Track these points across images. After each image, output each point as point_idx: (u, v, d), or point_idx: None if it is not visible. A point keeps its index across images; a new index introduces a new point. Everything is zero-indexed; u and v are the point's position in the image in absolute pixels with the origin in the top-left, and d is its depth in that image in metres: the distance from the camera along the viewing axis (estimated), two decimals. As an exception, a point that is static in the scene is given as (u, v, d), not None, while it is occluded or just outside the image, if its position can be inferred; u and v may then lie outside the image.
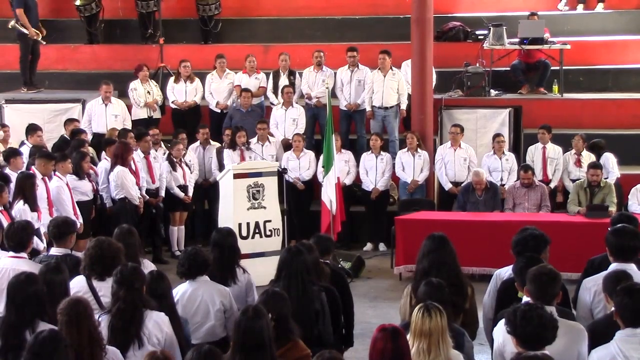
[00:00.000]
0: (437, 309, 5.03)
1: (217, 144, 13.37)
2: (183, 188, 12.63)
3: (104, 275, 6.15)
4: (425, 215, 11.95)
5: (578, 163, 12.82)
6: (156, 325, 5.53)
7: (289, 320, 5.41)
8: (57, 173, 10.56)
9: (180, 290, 6.43)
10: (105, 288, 6.03)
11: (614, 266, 6.13)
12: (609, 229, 6.50)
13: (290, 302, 5.55)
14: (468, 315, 6.11)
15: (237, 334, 5.04)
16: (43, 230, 9.17)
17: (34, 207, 9.47)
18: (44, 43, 15.26)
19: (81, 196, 11.08)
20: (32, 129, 12.32)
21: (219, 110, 14.49)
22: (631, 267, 6.02)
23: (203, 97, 14.60)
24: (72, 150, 11.43)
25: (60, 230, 7.09)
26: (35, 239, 8.27)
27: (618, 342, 5.03)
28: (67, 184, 10.58)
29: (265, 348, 4.98)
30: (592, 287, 6.13)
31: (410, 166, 12.96)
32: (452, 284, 5.92)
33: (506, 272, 6.49)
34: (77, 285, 6.16)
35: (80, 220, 10.45)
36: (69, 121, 13.18)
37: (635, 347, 4.98)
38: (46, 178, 10.38)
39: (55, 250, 7.06)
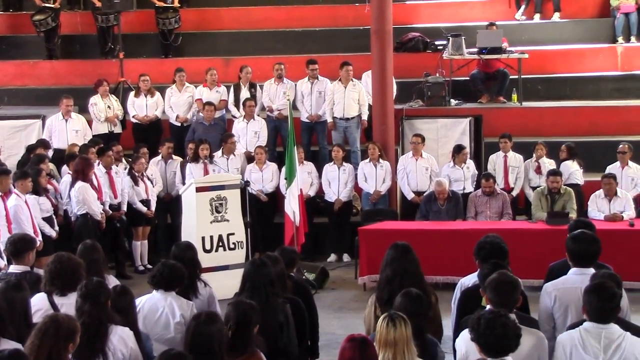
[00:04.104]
0: (402, 318, 5.05)
1: (179, 158, 13.34)
2: (145, 202, 12.57)
3: (64, 291, 6.08)
4: (389, 225, 11.99)
5: (538, 170, 12.95)
6: (121, 340, 5.49)
7: (250, 330, 5.38)
8: (15, 190, 10.43)
9: (143, 301, 6.39)
10: (67, 304, 5.96)
11: (573, 271, 6.21)
12: (568, 235, 6.58)
13: (258, 314, 5.53)
14: (432, 323, 6.13)
15: (186, 337, 5.03)
16: (2, 248, 9.06)
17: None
18: None
19: (43, 213, 10.98)
20: None
21: (179, 124, 14.46)
22: (590, 272, 6.10)
23: (164, 111, 14.57)
24: (30, 166, 11.34)
25: (17, 247, 7.01)
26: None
27: (582, 330, 5.22)
28: (25, 202, 10.45)
29: (214, 355, 4.95)
30: (552, 291, 6.20)
31: (373, 176, 13.00)
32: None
33: (470, 280, 6.53)
34: (39, 302, 6.09)
35: (40, 237, 10.36)
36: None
37: (596, 337, 5.16)
38: (4, 196, 10.27)
39: (14, 268, 6.98)
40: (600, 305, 5.16)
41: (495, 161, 13.20)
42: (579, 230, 6.54)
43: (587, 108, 15.15)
